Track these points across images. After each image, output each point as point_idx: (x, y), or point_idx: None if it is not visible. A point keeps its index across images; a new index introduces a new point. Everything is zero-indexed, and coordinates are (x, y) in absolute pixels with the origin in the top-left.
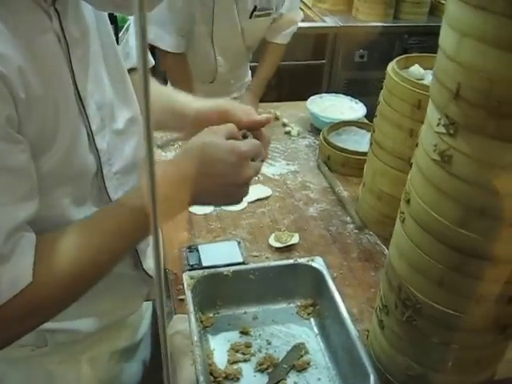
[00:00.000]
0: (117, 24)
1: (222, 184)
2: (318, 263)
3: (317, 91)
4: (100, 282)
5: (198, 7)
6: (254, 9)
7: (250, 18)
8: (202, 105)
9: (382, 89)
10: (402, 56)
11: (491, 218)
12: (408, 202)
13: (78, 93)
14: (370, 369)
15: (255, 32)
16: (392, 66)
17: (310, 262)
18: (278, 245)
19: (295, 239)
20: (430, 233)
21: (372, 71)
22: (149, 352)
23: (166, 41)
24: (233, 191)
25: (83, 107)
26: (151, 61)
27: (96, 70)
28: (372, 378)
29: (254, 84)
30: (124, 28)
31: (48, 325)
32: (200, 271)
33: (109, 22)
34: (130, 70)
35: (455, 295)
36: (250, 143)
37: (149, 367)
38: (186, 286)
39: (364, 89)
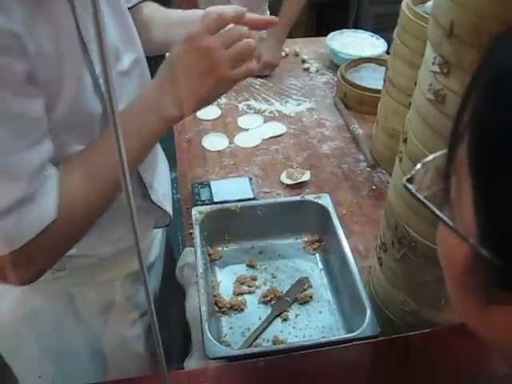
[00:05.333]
0: None
1: (203, 75)
2: (325, 200)
3: (343, 27)
4: (113, 213)
5: None
6: None
7: None
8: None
9: None
10: None
11: None
12: (405, 141)
13: (82, 38)
14: (367, 303)
15: None
16: (406, 2)
17: (316, 199)
18: (289, 182)
19: (306, 176)
20: None
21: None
22: (161, 273)
23: None
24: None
25: (87, 52)
26: None
27: None
28: (368, 312)
29: (277, 28)
30: None
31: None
32: (208, 206)
33: None
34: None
35: None
36: (235, 46)
37: (161, 287)
38: (194, 220)
39: (392, 24)
